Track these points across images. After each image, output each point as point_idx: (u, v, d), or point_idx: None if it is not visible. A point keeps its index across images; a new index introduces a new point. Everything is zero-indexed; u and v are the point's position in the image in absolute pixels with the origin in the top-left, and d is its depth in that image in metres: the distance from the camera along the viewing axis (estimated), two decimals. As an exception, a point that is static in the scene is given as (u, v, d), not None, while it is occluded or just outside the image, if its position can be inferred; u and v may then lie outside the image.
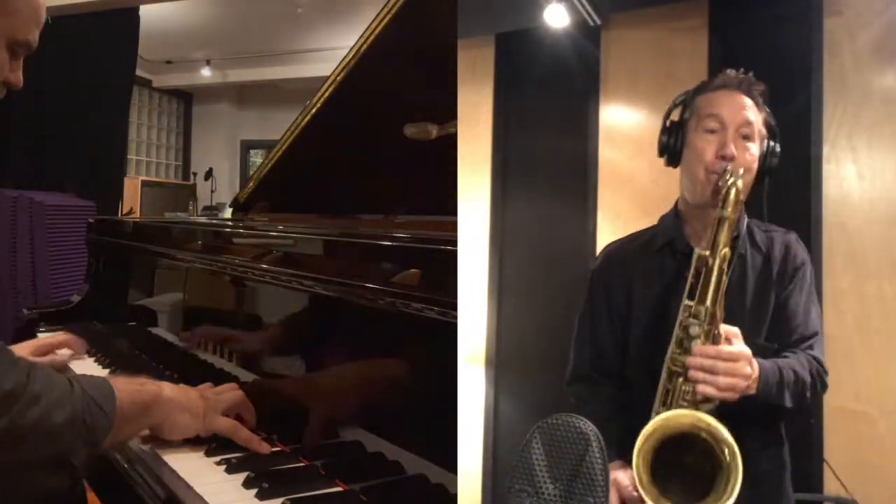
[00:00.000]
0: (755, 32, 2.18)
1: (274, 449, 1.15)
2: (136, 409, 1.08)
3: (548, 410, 1.10)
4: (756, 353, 1.15)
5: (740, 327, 1.17)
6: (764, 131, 1.30)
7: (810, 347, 1.24)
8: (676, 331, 1.16)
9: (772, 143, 1.30)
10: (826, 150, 2.08)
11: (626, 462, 1.10)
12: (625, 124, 2.49)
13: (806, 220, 2.04)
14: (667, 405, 1.13)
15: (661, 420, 1.09)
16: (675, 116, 1.35)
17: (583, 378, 1.37)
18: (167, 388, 1.15)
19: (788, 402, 1.17)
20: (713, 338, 1.13)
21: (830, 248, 2.05)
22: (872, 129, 2.05)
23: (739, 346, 1.12)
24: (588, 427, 1.06)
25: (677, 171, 1.35)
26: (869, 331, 2.01)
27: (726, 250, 1.15)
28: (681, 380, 1.13)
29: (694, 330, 1.13)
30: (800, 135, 2.05)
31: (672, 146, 1.33)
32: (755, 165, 1.27)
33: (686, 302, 1.16)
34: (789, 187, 2.02)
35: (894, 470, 1.95)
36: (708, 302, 1.13)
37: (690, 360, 1.11)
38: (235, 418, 1.18)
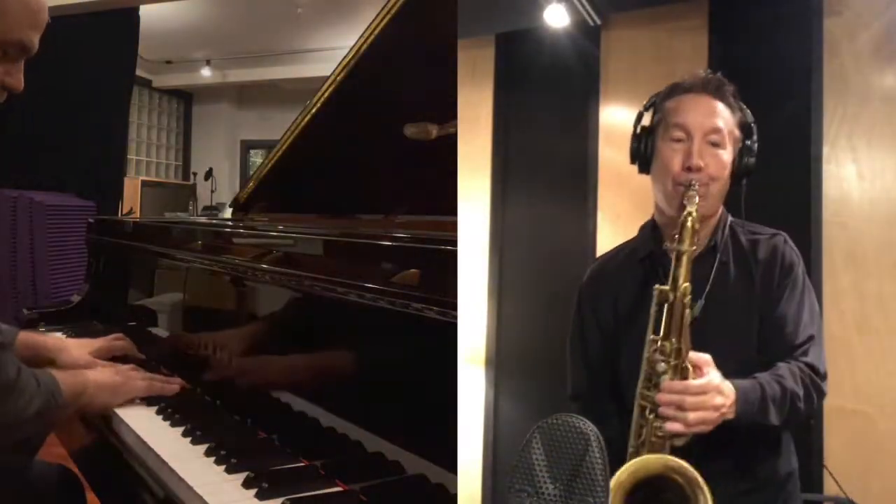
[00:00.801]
0: (755, 32, 2.18)
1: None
2: (73, 398, 1.25)
3: (547, 410, 1.10)
4: (745, 367, 1.14)
5: (724, 341, 1.16)
6: (738, 133, 1.25)
7: (804, 354, 1.18)
8: (644, 366, 1.15)
9: (748, 143, 1.25)
10: (826, 150, 2.08)
11: None
12: (625, 124, 2.46)
13: (806, 220, 2.04)
14: (640, 439, 1.13)
15: (630, 469, 1.10)
16: (647, 120, 1.32)
17: (577, 398, 1.36)
18: (91, 374, 1.35)
19: (774, 420, 1.12)
20: (681, 371, 1.12)
21: (830, 248, 2.05)
22: (872, 129, 2.05)
23: (709, 377, 1.10)
24: (588, 427, 1.05)
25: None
26: (869, 330, 2.01)
27: (686, 285, 1.14)
28: (652, 416, 1.12)
29: (661, 367, 1.12)
30: (800, 135, 2.05)
31: (643, 153, 1.30)
32: (726, 172, 1.23)
33: (651, 336, 1.14)
34: (789, 187, 2.03)
35: (894, 470, 1.95)
36: (672, 337, 1.13)
37: (659, 397, 1.11)
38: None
